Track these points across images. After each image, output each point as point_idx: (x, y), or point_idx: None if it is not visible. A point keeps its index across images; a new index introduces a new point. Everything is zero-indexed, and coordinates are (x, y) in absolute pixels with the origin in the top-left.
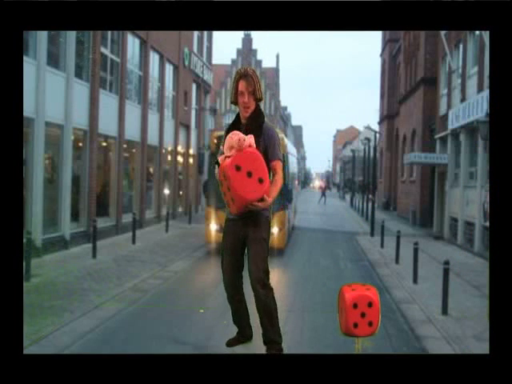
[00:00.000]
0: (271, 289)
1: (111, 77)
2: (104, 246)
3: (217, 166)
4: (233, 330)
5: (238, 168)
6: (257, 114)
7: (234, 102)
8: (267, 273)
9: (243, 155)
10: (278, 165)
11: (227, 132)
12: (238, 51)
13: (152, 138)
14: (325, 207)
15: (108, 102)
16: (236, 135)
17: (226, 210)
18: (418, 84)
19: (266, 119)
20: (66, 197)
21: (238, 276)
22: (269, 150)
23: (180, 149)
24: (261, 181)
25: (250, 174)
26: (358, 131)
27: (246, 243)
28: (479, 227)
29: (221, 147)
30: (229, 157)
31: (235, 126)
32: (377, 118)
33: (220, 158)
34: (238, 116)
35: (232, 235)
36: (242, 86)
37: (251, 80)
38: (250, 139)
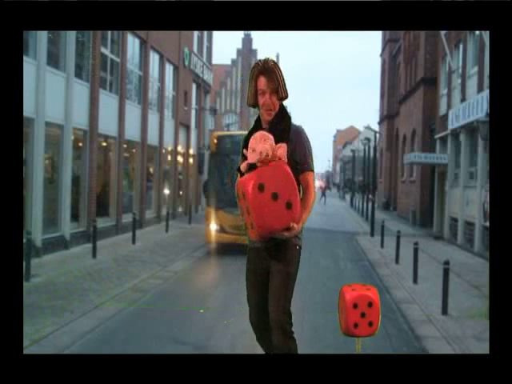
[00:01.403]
0: (293, 338)
1: (111, 77)
2: (104, 246)
3: (238, 175)
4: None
5: (261, 188)
6: (282, 116)
7: (253, 103)
8: (289, 316)
9: (269, 171)
10: (310, 178)
11: (246, 141)
12: (238, 51)
13: (152, 138)
14: (325, 207)
15: (108, 102)
16: (263, 138)
17: (246, 233)
18: (418, 84)
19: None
20: (66, 197)
21: (263, 319)
22: (298, 158)
23: (180, 149)
24: (289, 206)
25: (275, 196)
26: (358, 131)
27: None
28: (479, 227)
29: (244, 151)
30: (252, 167)
31: (253, 132)
32: (377, 118)
33: (242, 166)
34: (258, 120)
35: (254, 267)
36: (262, 83)
37: (273, 75)
38: (280, 149)
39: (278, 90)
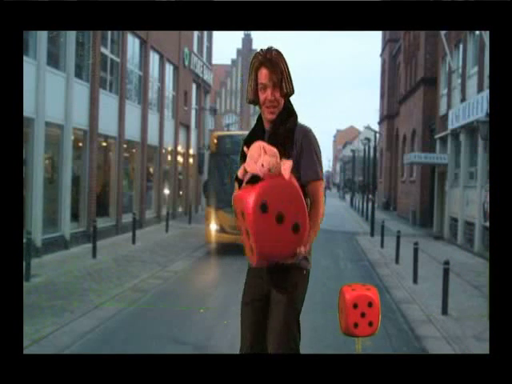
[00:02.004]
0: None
1: (111, 77)
2: (104, 246)
3: (236, 184)
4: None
5: (263, 208)
6: (287, 114)
7: (253, 99)
8: (298, 347)
9: (274, 186)
10: (319, 188)
11: (246, 143)
12: (238, 51)
13: (152, 138)
14: (325, 207)
15: (108, 102)
16: (267, 151)
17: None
18: (418, 84)
19: (298, 121)
20: (66, 197)
21: (260, 347)
22: (304, 163)
23: (180, 149)
24: (296, 229)
25: (280, 219)
26: (358, 131)
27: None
28: (479, 227)
29: (245, 148)
30: (254, 179)
31: (256, 133)
32: (377, 118)
33: (240, 172)
34: (259, 120)
35: (253, 290)
36: (263, 76)
37: (277, 67)
38: (285, 165)
39: (282, 83)
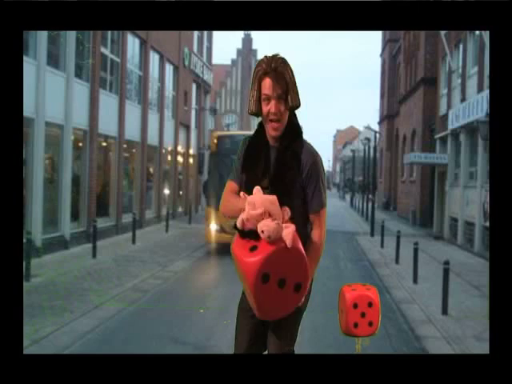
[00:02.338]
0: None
1: (111, 77)
2: (104, 246)
3: (237, 233)
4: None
5: (265, 278)
6: (292, 132)
7: (255, 111)
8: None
9: (275, 257)
10: (322, 215)
11: (247, 154)
12: (238, 51)
13: (152, 138)
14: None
15: (108, 102)
16: (264, 211)
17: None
18: (418, 84)
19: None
20: (66, 197)
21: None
22: (311, 193)
23: (180, 149)
24: (297, 288)
25: (282, 284)
26: (358, 131)
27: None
28: (479, 227)
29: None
30: (252, 235)
31: (257, 148)
32: (377, 118)
33: (238, 222)
34: (260, 130)
35: (247, 334)
36: (267, 86)
37: (282, 77)
38: (288, 230)
39: (288, 96)
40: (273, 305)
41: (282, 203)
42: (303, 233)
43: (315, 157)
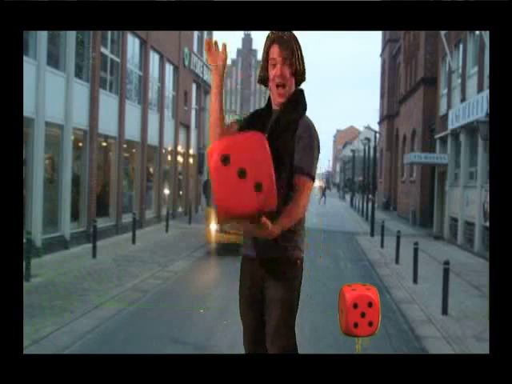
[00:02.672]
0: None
1: (111, 77)
2: (104, 246)
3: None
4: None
5: (225, 160)
6: (296, 101)
7: (262, 75)
8: (295, 340)
9: (239, 141)
10: (306, 185)
11: (249, 120)
12: (238, 51)
13: (152, 138)
14: (325, 207)
15: (108, 102)
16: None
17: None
18: (418, 84)
19: (306, 113)
20: (66, 197)
21: (260, 344)
22: (300, 156)
23: (180, 149)
24: (258, 188)
25: (242, 174)
26: (358, 131)
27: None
28: (479, 227)
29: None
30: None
31: (259, 113)
32: (377, 118)
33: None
34: (268, 101)
35: (248, 282)
36: (274, 52)
37: (288, 43)
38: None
39: (293, 60)
40: (232, 193)
41: (273, 163)
42: (288, 197)
43: (311, 128)
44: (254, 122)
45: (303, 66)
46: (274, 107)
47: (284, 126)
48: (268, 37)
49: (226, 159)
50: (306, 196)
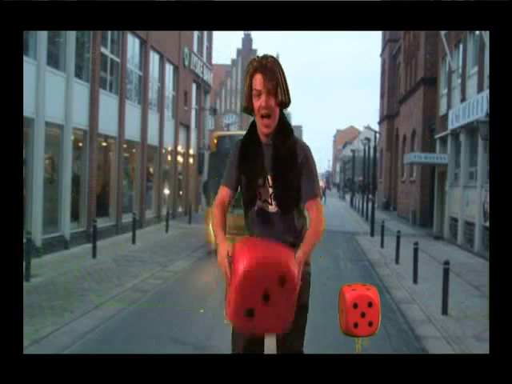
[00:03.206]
0: None
1: (111, 77)
2: (104, 246)
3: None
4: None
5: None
6: (283, 128)
7: (247, 106)
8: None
9: (245, 283)
10: (317, 204)
11: (242, 155)
12: (238, 51)
13: (152, 138)
14: (325, 207)
15: (108, 102)
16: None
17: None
18: (418, 84)
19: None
20: (66, 197)
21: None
22: (304, 182)
23: (180, 149)
24: (282, 284)
25: (266, 298)
26: (358, 131)
27: None
28: (479, 227)
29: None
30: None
31: (252, 148)
32: (377, 118)
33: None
34: (252, 130)
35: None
36: (257, 82)
37: (272, 73)
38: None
39: (277, 90)
40: (270, 322)
41: (286, 198)
42: (300, 222)
43: (307, 149)
44: (252, 159)
45: (288, 95)
46: (262, 137)
47: (287, 158)
48: (251, 63)
49: (249, 312)
50: (322, 215)
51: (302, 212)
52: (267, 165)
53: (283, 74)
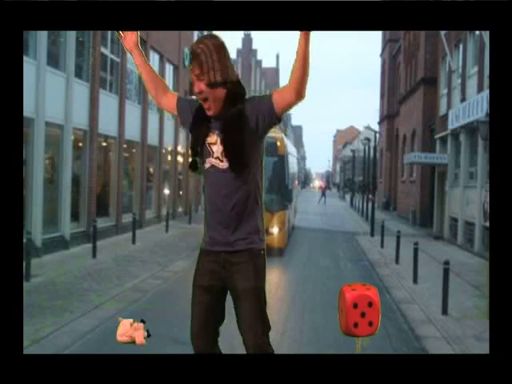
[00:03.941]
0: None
1: (111, 77)
2: (104, 246)
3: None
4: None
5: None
6: (230, 102)
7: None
8: (267, 335)
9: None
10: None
11: (196, 116)
12: (238, 51)
13: (152, 138)
14: (325, 207)
15: (108, 102)
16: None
17: (203, 238)
18: (418, 84)
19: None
20: (66, 197)
21: (210, 334)
22: (266, 108)
23: (180, 149)
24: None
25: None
26: (358, 131)
27: (231, 295)
28: (479, 227)
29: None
30: None
31: (201, 122)
32: (377, 118)
33: None
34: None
35: (211, 274)
36: (192, 71)
37: (196, 59)
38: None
39: (206, 74)
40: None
41: (241, 176)
42: (252, 186)
43: (250, 99)
44: (198, 128)
45: (226, 72)
46: (214, 121)
47: (234, 124)
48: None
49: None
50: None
51: (254, 179)
52: (218, 133)
53: (216, 52)
